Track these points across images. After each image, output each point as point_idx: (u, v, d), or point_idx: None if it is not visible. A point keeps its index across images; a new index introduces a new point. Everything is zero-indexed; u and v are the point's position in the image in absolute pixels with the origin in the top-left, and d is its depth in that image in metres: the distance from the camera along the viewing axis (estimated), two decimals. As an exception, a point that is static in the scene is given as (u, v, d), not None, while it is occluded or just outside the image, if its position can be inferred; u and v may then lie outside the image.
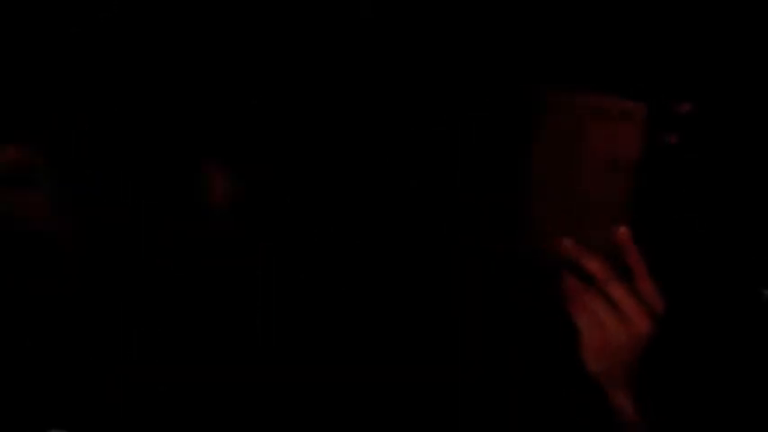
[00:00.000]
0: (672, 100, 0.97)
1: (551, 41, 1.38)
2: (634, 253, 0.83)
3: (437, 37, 1.53)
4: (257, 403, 1.38)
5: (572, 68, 1.25)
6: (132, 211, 1.24)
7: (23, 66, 1.28)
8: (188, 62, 1.56)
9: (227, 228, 1.45)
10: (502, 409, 1.37)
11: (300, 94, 1.62)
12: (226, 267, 1.40)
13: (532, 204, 0.83)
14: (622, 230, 0.81)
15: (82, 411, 1.17)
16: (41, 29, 1.31)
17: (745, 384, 0.98)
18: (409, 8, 1.53)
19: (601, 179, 0.81)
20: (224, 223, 1.43)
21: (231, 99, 1.58)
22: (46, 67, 1.28)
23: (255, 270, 1.50)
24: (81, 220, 1.18)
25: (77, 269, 1.18)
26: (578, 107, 0.81)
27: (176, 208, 1.34)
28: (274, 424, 1.38)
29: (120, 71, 1.44)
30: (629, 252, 0.82)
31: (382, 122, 1.60)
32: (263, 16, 1.59)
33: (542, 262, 0.85)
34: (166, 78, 1.47)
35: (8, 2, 1.31)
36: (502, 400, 1.37)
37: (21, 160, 1.14)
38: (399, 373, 1.46)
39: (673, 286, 0.84)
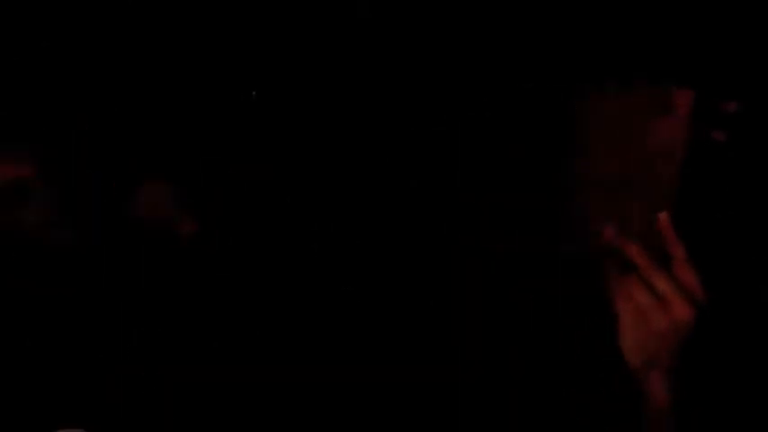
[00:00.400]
0: (718, 97, 0.98)
1: (589, 35, 1.38)
2: (675, 241, 0.84)
3: (435, 37, 1.53)
4: (259, 403, 1.38)
5: (616, 62, 1.26)
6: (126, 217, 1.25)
7: (18, 82, 1.29)
8: (187, 63, 1.56)
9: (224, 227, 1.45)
10: (502, 409, 1.36)
11: (299, 94, 1.62)
12: (225, 266, 1.40)
13: (576, 196, 0.84)
14: (662, 217, 0.82)
15: (83, 411, 1.18)
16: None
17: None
18: (408, 8, 1.53)
19: (645, 169, 0.83)
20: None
21: (229, 99, 1.58)
22: (40, 82, 1.29)
23: (258, 270, 1.50)
24: (78, 229, 1.20)
25: (76, 275, 1.19)
26: (623, 101, 0.82)
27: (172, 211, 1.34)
28: (275, 424, 1.38)
29: (117, 79, 1.44)
30: (670, 240, 0.83)
31: (382, 122, 1.60)
32: (263, 16, 1.59)
33: (585, 253, 0.86)
34: (165, 81, 1.47)
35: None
36: (502, 400, 1.37)
37: (17, 178, 1.17)
38: (400, 373, 1.46)
39: (712, 275, 0.85)
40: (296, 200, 1.61)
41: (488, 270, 1.48)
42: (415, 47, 1.55)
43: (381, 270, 1.56)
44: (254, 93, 1.64)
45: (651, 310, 0.83)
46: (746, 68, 1.09)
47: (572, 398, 1.24)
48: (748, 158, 1.02)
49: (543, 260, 1.38)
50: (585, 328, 1.16)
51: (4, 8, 1.32)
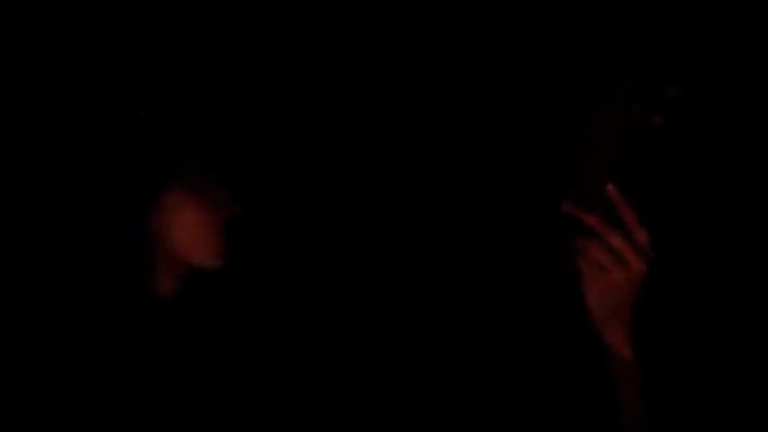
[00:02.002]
0: (659, 83, 1.09)
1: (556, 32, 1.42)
2: (625, 207, 0.97)
3: (435, 38, 1.54)
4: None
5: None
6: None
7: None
8: (188, 63, 1.56)
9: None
10: (502, 409, 1.37)
11: (300, 94, 1.62)
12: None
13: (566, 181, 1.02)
14: (610, 188, 0.96)
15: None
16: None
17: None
18: (408, 9, 1.54)
19: (595, 149, 0.97)
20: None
21: (230, 99, 1.58)
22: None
23: (259, 268, 1.51)
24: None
25: None
26: (577, 94, 0.99)
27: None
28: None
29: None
30: (621, 206, 0.97)
31: (382, 122, 1.60)
32: (264, 17, 1.59)
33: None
34: (166, 81, 1.48)
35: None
36: (502, 399, 1.37)
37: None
38: (401, 374, 1.46)
39: (659, 233, 0.99)
40: (296, 200, 1.61)
41: (488, 270, 1.49)
42: (416, 47, 1.55)
43: (381, 270, 1.56)
44: (253, 93, 1.64)
45: (610, 265, 0.97)
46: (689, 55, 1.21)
47: (571, 396, 1.24)
48: (685, 136, 1.14)
49: (544, 260, 1.38)
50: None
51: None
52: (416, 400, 1.44)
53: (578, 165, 1.01)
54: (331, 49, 1.59)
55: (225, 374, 1.31)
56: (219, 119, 1.62)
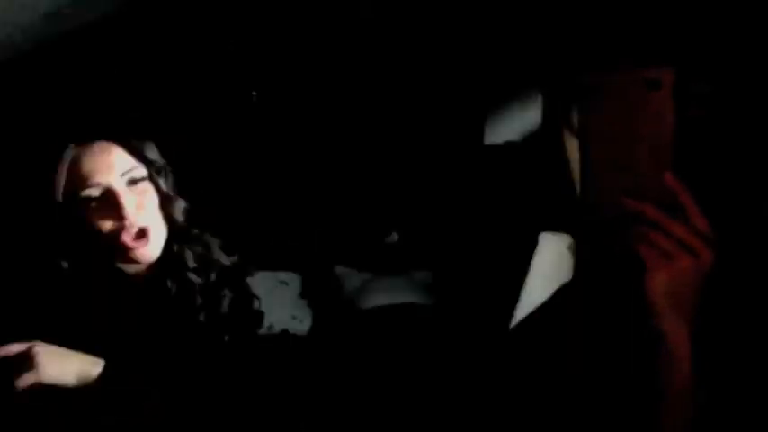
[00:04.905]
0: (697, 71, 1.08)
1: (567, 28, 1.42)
2: (684, 193, 0.95)
3: (435, 37, 1.54)
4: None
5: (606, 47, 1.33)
6: None
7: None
8: (189, 63, 1.57)
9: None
10: (501, 409, 1.37)
11: (301, 93, 1.63)
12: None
13: (593, 172, 0.99)
14: (667, 176, 0.95)
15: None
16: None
17: None
18: (408, 8, 1.54)
19: (645, 140, 0.95)
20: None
21: (231, 99, 1.59)
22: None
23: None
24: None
25: None
26: (615, 84, 0.93)
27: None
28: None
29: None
30: (680, 193, 0.95)
31: (382, 122, 1.61)
32: (267, 17, 1.59)
33: (606, 216, 1.00)
34: (164, 81, 1.48)
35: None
36: (503, 400, 1.37)
37: None
38: (401, 379, 1.46)
39: (719, 218, 0.98)
40: (295, 198, 1.62)
41: (493, 270, 1.49)
42: (417, 47, 1.56)
43: (381, 269, 1.56)
44: (254, 93, 1.64)
45: (677, 253, 0.95)
46: (724, 48, 1.19)
47: (573, 396, 1.24)
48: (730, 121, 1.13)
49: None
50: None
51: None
52: (418, 398, 1.44)
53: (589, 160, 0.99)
54: (332, 48, 1.59)
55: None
56: (218, 117, 1.62)
